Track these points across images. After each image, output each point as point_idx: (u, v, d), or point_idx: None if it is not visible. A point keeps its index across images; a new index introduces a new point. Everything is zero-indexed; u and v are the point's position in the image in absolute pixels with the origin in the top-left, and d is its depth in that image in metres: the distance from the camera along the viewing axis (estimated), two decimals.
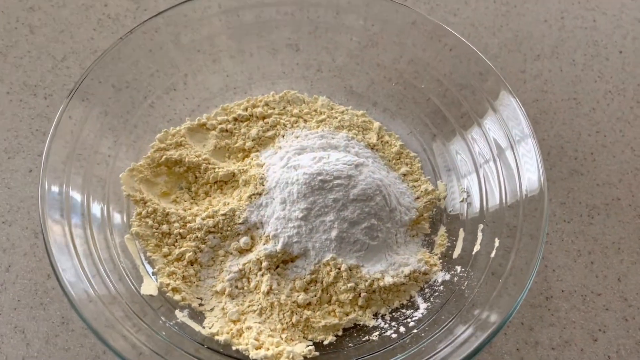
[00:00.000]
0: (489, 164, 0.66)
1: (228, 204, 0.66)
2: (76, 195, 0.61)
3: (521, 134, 0.62)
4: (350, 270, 0.62)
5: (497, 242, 0.61)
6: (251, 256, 0.63)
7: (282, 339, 0.58)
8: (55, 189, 0.59)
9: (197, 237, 0.64)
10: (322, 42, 0.78)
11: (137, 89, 0.71)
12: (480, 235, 0.64)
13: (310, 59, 0.79)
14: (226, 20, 0.75)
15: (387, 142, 0.74)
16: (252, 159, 0.70)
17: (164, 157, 0.69)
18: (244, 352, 0.56)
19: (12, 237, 0.68)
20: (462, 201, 0.68)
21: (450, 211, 0.69)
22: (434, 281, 0.63)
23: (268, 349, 0.56)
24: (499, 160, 0.64)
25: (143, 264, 0.62)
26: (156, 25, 0.71)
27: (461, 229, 0.67)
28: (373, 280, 0.61)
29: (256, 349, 0.56)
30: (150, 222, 0.64)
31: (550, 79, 0.85)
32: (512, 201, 0.62)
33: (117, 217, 0.64)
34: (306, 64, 0.79)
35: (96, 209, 0.63)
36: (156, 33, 0.72)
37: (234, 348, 0.57)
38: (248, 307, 0.60)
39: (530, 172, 0.60)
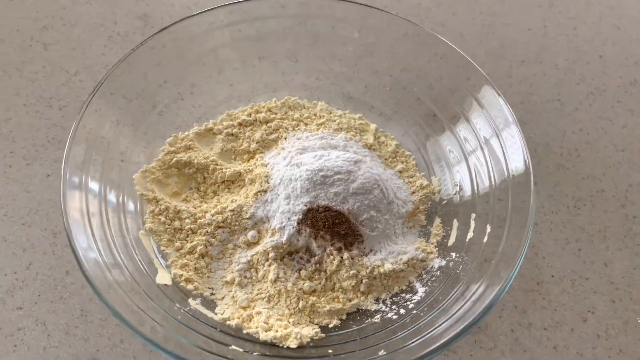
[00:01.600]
0: (476, 153, 0.71)
1: (236, 201, 0.70)
2: (94, 196, 0.65)
3: (504, 122, 0.67)
4: (352, 259, 0.66)
5: (488, 229, 0.66)
6: (258, 248, 0.67)
7: (289, 322, 0.61)
8: (74, 190, 0.63)
9: (207, 231, 0.68)
10: (320, 53, 0.83)
11: (146, 99, 0.75)
12: (472, 224, 0.68)
13: (309, 68, 0.84)
14: (229, 34, 0.80)
15: (384, 142, 0.79)
16: (257, 160, 0.74)
17: (174, 159, 0.73)
18: (254, 335, 0.60)
19: (31, 238, 0.71)
20: (455, 194, 0.73)
21: (444, 203, 0.73)
22: (431, 267, 0.67)
23: (277, 331, 0.59)
24: (486, 148, 0.69)
25: (157, 257, 0.66)
26: (163, 40, 0.76)
27: (455, 219, 0.71)
28: (374, 268, 0.65)
29: (265, 331, 0.60)
30: (162, 219, 0.68)
31: (535, 82, 0.91)
32: (500, 180, 0.67)
33: (131, 215, 0.68)
34: (306, 73, 0.84)
35: (112, 207, 0.67)
36: (163, 47, 0.77)
37: (244, 332, 0.60)
38: (257, 294, 0.64)
39: (515, 155, 0.65)
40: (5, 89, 0.84)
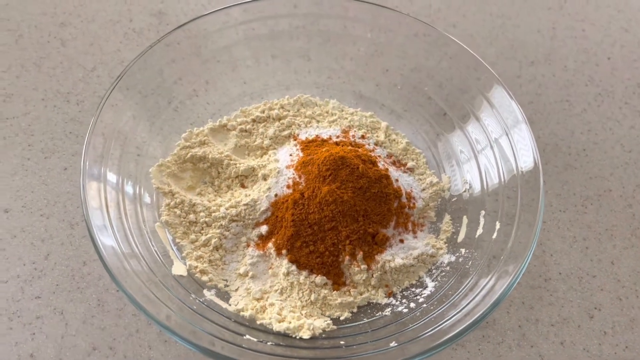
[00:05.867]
0: (486, 151, 0.72)
1: (249, 195, 0.71)
2: (112, 187, 0.67)
3: (514, 121, 0.68)
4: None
5: (497, 225, 0.67)
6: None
7: (302, 314, 0.63)
8: (93, 181, 0.65)
9: (221, 225, 0.69)
10: (332, 52, 0.84)
11: (162, 95, 0.77)
12: (482, 221, 0.69)
13: (321, 67, 0.85)
14: (243, 32, 0.82)
15: (394, 140, 0.80)
16: (270, 156, 0.76)
17: (190, 154, 0.74)
18: (267, 326, 0.61)
19: (50, 229, 0.73)
20: (464, 191, 0.74)
21: (453, 200, 0.74)
22: (441, 263, 0.69)
23: (290, 322, 0.61)
24: (496, 146, 0.70)
25: (172, 249, 0.68)
26: (178, 38, 0.77)
27: (464, 216, 0.72)
28: (384, 262, 0.67)
29: (279, 322, 0.61)
30: (178, 211, 0.70)
31: (544, 83, 0.92)
32: (509, 178, 0.68)
33: (148, 207, 0.70)
34: (318, 71, 0.85)
35: (130, 199, 0.68)
36: (178, 45, 0.78)
37: (258, 322, 0.62)
38: (270, 287, 0.66)
39: (525, 153, 0.66)
40: (24, 84, 0.86)
